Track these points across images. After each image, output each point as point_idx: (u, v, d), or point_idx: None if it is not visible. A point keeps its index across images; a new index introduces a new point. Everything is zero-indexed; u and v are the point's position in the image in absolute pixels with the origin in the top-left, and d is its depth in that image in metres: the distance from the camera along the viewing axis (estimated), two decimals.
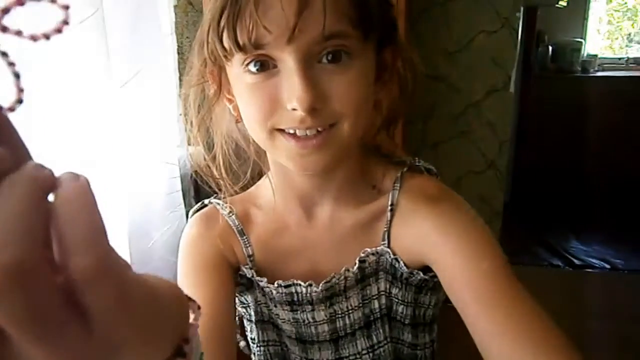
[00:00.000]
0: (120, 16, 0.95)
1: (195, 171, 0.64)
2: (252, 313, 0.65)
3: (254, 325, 0.66)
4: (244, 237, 0.62)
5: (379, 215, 0.61)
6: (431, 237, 0.56)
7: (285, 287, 0.59)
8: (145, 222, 1.02)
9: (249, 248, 0.62)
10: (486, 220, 0.59)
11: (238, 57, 0.50)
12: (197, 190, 1.38)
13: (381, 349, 0.61)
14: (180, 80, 1.36)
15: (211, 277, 0.59)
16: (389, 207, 0.60)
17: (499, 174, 2.21)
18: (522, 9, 2.13)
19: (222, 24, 0.48)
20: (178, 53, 1.36)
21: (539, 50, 3.67)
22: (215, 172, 0.61)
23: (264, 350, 0.65)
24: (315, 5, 0.46)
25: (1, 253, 0.19)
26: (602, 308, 2.25)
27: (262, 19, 0.46)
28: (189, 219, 0.67)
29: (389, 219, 0.60)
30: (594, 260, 2.71)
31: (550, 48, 3.74)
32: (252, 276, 0.61)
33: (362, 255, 0.59)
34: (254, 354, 0.68)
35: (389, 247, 0.59)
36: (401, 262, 0.59)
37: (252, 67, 0.50)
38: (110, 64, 0.87)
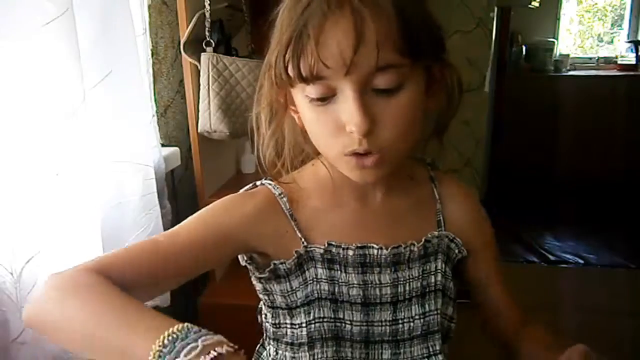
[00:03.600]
0: (91, 16, 0.93)
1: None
2: (302, 296, 0.67)
3: (301, 309, 0.68)
4: (295, 220, 0.67)
5: (423, 202, 0.72)
6: (474, 225, 0.72)
7: (360, 248, 0.66)
8: (119, 224, 1.01)
9: (300, 228, 0.67)
10: None
11: (301, 84, 0.57)
12: (172, 191, 1.36)
13: (431, 317, 0.69)
14: (154, 80, 1.34)
15: (218, 228, 0.63)
16: (438, 200, 0.72)
17: (475, 172, 2.24)
18: (495, 9, 2.16)
19: (287, 57, 0.56)
20: (152, 53, 1.34)
21: (512, 50, 3.73)
22: (284, 174, 0.69)
23: (318, 327, 0.67)
24: (369, 41, 0.52)
25: None
26: (576, 302, 2.30)
27: (322, 56, 0.53)
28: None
29: (439, 208, 0.72)
30: (568, 256, 2.77)
31: (523, 48, 3.81)
32: (313, 251, 0.66)
33: (429, 236, 0.69)
34: (300, 337, 0.69)
35: (445, 230, 0.71)
36: (458, 241, 0.70)
37: (312, 94, 0.57)
38: (81, 64, 0.85)
